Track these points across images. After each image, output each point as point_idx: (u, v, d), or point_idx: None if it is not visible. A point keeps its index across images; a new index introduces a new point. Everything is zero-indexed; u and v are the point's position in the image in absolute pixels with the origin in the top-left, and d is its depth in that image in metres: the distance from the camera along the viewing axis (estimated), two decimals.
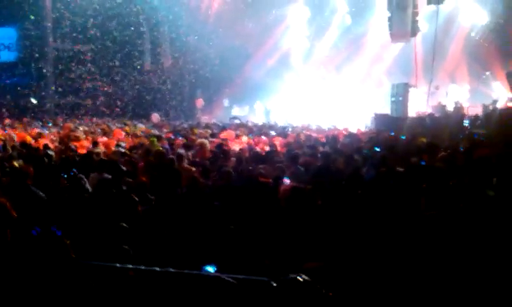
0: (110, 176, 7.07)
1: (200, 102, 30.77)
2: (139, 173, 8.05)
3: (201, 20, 29.94)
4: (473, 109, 19.95)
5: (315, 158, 9.31)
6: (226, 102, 31.54)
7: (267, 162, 8.75)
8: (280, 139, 13.54)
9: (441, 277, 3.95)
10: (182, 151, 9.91)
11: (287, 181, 7.04)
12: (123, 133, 15.30)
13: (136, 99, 30.52)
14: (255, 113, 30.07)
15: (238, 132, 15.29)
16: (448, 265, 4.13)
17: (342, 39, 28.33)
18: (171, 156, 9.20)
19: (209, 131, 16.09)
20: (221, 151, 10.16)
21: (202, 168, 7.81)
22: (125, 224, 4.92)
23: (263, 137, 13.64)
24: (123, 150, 10.16)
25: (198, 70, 31.60)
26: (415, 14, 19.78)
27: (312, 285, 2.33)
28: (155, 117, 25.25)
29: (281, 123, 22.81)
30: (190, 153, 10.34)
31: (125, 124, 20.73)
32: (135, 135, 14.81)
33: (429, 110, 19.82)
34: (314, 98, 27.65)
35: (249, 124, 21.34)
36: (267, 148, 11.40)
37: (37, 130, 15.48)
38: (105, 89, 29.65)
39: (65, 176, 7.03)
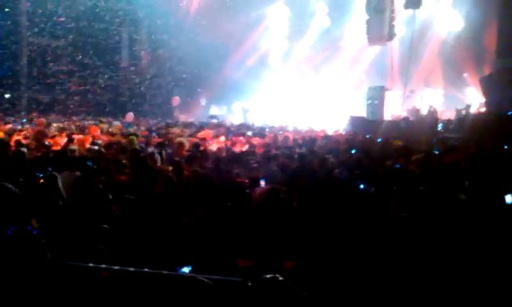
0: (82, 174, 6.98)
1: (176, 100, 30.58)
2: (115, 171, 7.97)
3: (180, 19, 29.82)
4: (447, 113, 20.37)
5: (291, 159, 9.37)
6: (203, 102, 31.47)
7: (244, 163, 8.78)
8: (258, 139, 13.58)
9: (411, 278, 4.05)
10: (154, 150, 9.87)
11: (262, 182, 7.08)
12: (99, 130, 15.13)
13: (112, 96, 30.20)
14: (233, 113, 30.09)
15: (216, 132, 15.27)
16: (418, 266, 4.23)
17: (321, 40, 28.60)
18: (145, 155, 9.18)
19: (187, 130, 16.06)
20: (198, 150, 10.13)
21: (176, 167, 7.76)
22: (102, 225, 4.89)
23: (241, 138, 13.65)
24: (98, 148, 10.04)
25: (176, 68, 31.46)
26: (392, 18, 20.11)
27: (286, 285, 2.37)
28: (130, 116, 24.99)
29: (258, 124, 22.88)
30: (164, 152, 10.31)
31: (100, 121, 20.48)
32: (110, 133, 14.66)
33: (404, 114, 20.11)
34: (292, 98, 27.86)
35: (227, 124, 21.33)
36: (244, 148, 11.43)
37: (10, 126, 15.18)
38: (81, 86, 29.25)
39: (40, 174, 6.92)
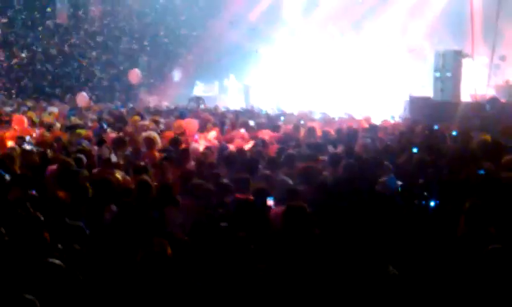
0: None
1: (135, 75, 30.38)
2: (51, 183, 8.01)
3: None
4: None
5: (320, 163, 9.36)
6: (176, 76, 31.40)
7: (248, 169, 8.80)
8: (268, 132, 13.58)
9: None
10: (108, 151, 9.93)
11: (270, 201, 7.12)
12: (26, 121, 15.17)
13: (45, 71, 30.25)
14: (226, 92, 30.10)
15: (203, 122, 15.30)
16: None
17: None
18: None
19: (160, 120, 16.08)
20: (178, 150, 10.17)
21: (141, 181, 7.74)
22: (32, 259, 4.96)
23: (242, 130, 13.66)
24: (28, 148, 10.09)
25: (141, 27, 31.44)
26: None
27: None
28: (83, 97, 25.06)
29: (268, 109, 22.86)
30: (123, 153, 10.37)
31: (29, 108, 20.53)
32: (46, 125, 14.70)
33: (492, 93, 19.98)
34: (319, 71, 27.79)
35: (220, 109, 21.34)
36: (247, 147, 11.45)
37: None
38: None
39: None
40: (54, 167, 8.68)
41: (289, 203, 6.36)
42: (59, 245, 5.58)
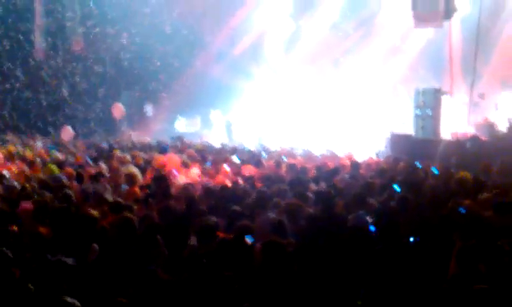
0: None
1: (118, 110, 30.25)
2: (28, 219, 7.97)
3: None
4: None
5: (303, 200, 9.36)
6: (149, 111, 31.30)
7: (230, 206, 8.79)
8: (251, 168, 13.58)
9: None
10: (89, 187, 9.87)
11: (248, 239, 7.08)
12: (2, 155, 15.11)
13: (21, 105, 30.05)
14: (210, 127, 30.07)
15: (185, 158, 15.27)
16: None
17: (343, 20, 28.74)
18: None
19: (140, 155, 16.03)
20: (161, 186, 10.15)
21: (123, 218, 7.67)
22: None
23: (224, 166, 13.65)
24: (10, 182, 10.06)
25: (123, 61, 31.48)
26: None
27: None
28: (68, 131, 24.94)
29: (250, 146, 22.85)
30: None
31: (6, 141, 20.43)
32: (24, 160, 14.59)
33: (472, 131, 20.11)
34: (301, 107, 27.88)
35: (200, 144, 21.31)
36: (229, 183, 11.43)
37: None
38: None
39: None
40: (27, 203, 8.62)
41: (268, 239, 6.36)
42: (30, 285, 5.53)
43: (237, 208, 8.56)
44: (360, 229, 7.48)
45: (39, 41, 30.52)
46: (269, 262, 5.95)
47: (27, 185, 10.24)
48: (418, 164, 14.15)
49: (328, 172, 13.03)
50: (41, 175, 11.58)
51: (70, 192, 9.28)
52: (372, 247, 6.97)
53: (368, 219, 7.97)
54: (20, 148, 17.94)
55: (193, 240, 7.24)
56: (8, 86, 29.58)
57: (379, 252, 6.81)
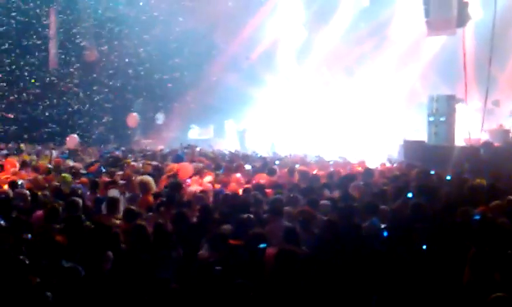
0: None
1: (133, 119, 30.42)
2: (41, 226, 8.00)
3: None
4: None
5: (315, 208, 9.32)
6: (160, 119, 31.45)
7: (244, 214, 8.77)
8: (264, 176, 13.56)
9: None
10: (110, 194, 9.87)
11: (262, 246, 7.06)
12: (18, 165, 15.16)
13: (38, 114, 30.28)
14: (223, 135, 30.14)
15: (198, 166, 15.27)
16: None
17: (356, 27, 28.73)
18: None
19: (153, 163, 16.04)
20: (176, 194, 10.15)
21: (137, 226, 7.68)
22: None
23: (237, 175, 13.63)
24: (24, 191, 10.07)
25: (136, 71, 31.62)
26: None
27: None
28: (72, 140, 25.00)
29: (263, 153, 22.85)
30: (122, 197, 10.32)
31: (21, 150, 20.52)
32: (38, 169, 14.65)
33: (486, 137, 20.02)
34: (313, 115, 27.88)
35: (215, 153, 21.29)
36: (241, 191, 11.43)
37: None
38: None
39: None
40: (41, 212, 8.66)
41: (282, 247, 6.34)
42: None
43: (249, 216, 8.53)
44: (374, 237, 7.46)
45: (53, 52, 30.74)
46: (283, 270, 5.90)
47: (40, 193, 10.26)
48: (432, 172, 14.09)
49: (342, 179, 12.95)
50: (54, 183, 11.59)
51: (78, 200, 9.27)
52: (386, 254, 6.94)
53: (382, 226, 7.94)
54: (34, 157, 18.01)
55: (205, 248, 7.22)
56: (22, 95, 29.83)
57: (393, 259, 6.78)
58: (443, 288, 5.97)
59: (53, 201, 9.50)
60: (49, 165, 15.54)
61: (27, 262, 5.93)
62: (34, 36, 30.13)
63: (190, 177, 13.42)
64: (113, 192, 10.64)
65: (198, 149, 22.88)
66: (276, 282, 5.84)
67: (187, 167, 14.49)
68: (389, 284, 6.32)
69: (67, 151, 21.20)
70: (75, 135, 25.75)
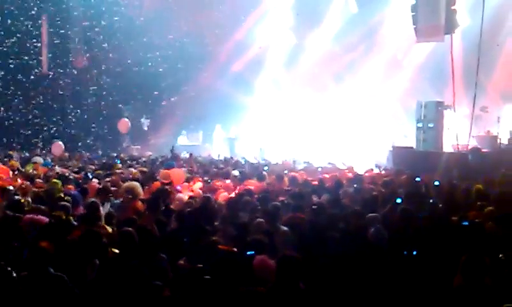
0: None
1: (124, 125, 30.25)
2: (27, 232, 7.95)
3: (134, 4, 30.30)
4: None
5: (304, 213, 9.30)
6: (145, 124, 31.41)
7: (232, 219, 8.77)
8: (253, 182, 13.53)
9: None
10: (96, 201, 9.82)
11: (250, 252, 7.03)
12: (10, 171, 15.06)
13: (28, 119, 30.17)
14: (211, 142, 30.09)
15: (187, 171, 15.26)
16: None
17: (345, 34, 28.75)
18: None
19: (143, 169, 16.00)
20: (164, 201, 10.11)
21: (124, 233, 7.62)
22: None
23: (227, 181, 13.61)
24: (16, 198, 9.97)
25: (126, 77, 31.54)
26: (452, 1, 20.28)
27: None
28: (58, 147, 24.83)
29: (252, 159, 22.83)
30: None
31: (10, 157, 20.40)
32: (27, 176, 14.56)
33: (474, 143, 20.08)
34: (302, 121, 27.89)
35: (205, 159, 21.27)
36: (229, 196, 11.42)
37: None
38: None
39: None
40: (28, 216, 8.57)
41: (284, 253, 6.30)
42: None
43: (240, 221, 8.52)
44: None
45: (43, 59, 30.68)
46: (284, 276, 5.84)
47: (25, 200, 10.20)
48: (418, 178, 14.10)
49: (331, 185, 12.94)
50: (41, 190, 11.52)
51: (67, 204, 9.22)
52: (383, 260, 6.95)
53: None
54: (20, 163, 17.96)
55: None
56: (12, 103, 29.77)
57: (385, 264, 6.79)
58: (433, 292, 5.96)
59: (37, 207, 9.41)
60: (35, 172, 15.50)
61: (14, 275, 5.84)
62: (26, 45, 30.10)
63: (180, 183, 13.41)
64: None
65: (187, 154, 22.88)
66: (278, 288, 5.79)
67: (179, 174, 14.47)
68: (380, 289, 6.31)
69: (49, 159, 21.09)
70: (60, 143, 25.52)
